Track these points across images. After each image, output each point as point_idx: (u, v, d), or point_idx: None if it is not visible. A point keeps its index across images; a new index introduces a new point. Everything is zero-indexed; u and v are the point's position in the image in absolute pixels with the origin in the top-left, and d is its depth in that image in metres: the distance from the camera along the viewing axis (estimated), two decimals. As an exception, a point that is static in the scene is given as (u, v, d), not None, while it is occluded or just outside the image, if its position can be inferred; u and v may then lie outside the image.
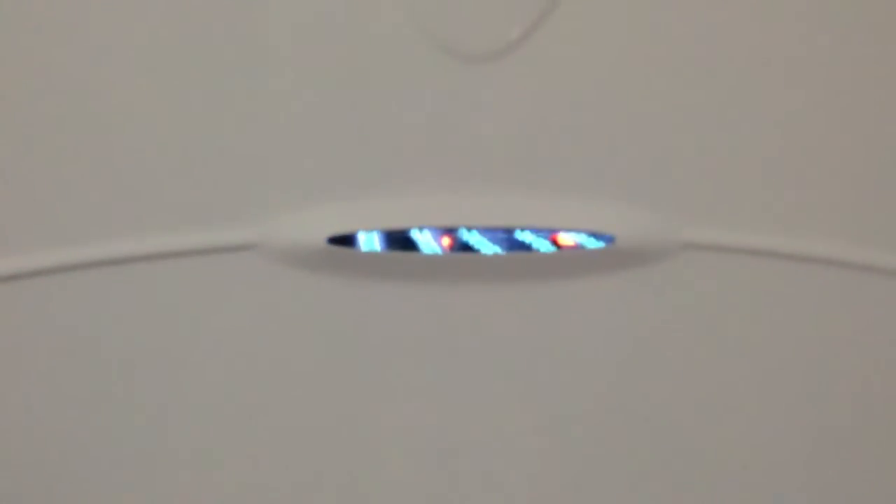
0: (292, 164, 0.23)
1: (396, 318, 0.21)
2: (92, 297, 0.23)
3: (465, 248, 0.22)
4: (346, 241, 0.22)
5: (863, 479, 0.27)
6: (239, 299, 0.22)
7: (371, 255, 0.21)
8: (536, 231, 0.22)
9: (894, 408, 0.26)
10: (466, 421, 0.21)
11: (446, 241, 0.21)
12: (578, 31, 0.22)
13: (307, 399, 0.23)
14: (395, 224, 0.21)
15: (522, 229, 0.22)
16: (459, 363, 0.20)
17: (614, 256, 0.21)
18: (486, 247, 0.23)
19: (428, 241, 0.22)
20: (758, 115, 0.24)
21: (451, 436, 0.21)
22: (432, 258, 0.20)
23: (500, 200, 0.21)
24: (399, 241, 0.22)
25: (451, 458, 0.23)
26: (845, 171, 0.25)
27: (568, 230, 0.22)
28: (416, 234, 0.21)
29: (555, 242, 0.23)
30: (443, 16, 0.22)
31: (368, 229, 0.21)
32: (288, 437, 0.24)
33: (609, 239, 0.21)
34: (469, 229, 0.21)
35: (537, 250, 0.22)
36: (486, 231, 0.21)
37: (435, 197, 0.21)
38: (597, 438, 0.21)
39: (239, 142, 0.23)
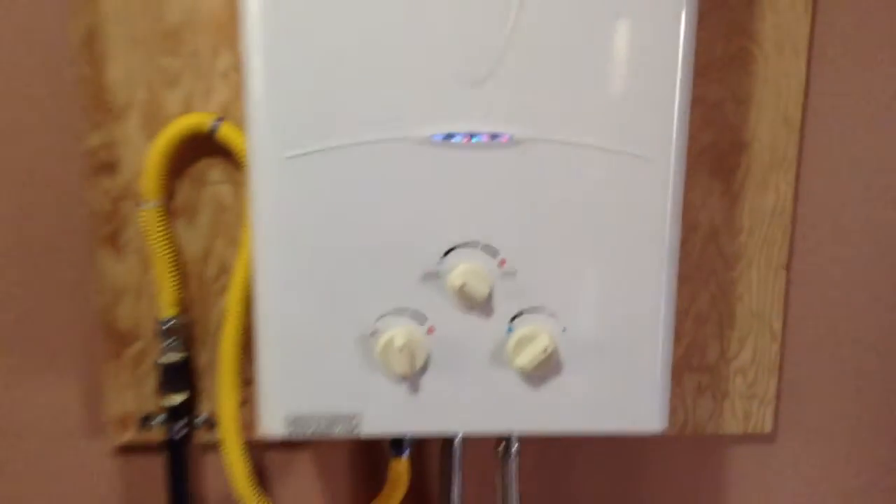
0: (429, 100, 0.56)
1: (452, 164, 0.59)
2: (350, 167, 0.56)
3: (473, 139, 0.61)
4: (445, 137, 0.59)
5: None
6: (407, 163, 0.58)
7: (447, 143, 0.59)
8: (493, 135, 0.61)
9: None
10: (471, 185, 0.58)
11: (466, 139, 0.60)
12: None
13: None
14: (456, 130, 0.59)
15: (489, 134, 0.61)
16: (473, 176, 0.57)
17: (515, 143, 0.61)
18: (479, 140, 0.62)
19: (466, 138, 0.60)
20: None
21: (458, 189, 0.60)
22: (476, 144, 0.58)
23: (486, 123, 0.59)
24: (449, 137, 0.60)
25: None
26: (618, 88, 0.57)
27: (499, 133, 0.61)
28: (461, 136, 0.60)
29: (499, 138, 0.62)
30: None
31: (443, 133, 0.60)
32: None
33: (510, 136, 0.61)
34: (475, 134, 0.60)
35: (492, 140, 0.61)
36: (479, 134, 0.60)
37: (468, 123, 0.58)
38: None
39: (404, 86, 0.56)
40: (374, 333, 0.62)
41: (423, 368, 0.63)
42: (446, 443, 0.77)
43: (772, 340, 0.81)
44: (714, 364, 0.82)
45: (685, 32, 0.58)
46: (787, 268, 0.80)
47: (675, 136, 0.60)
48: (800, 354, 0.84)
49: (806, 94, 0.77)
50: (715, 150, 0.77)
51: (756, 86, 0.76)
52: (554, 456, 0.85)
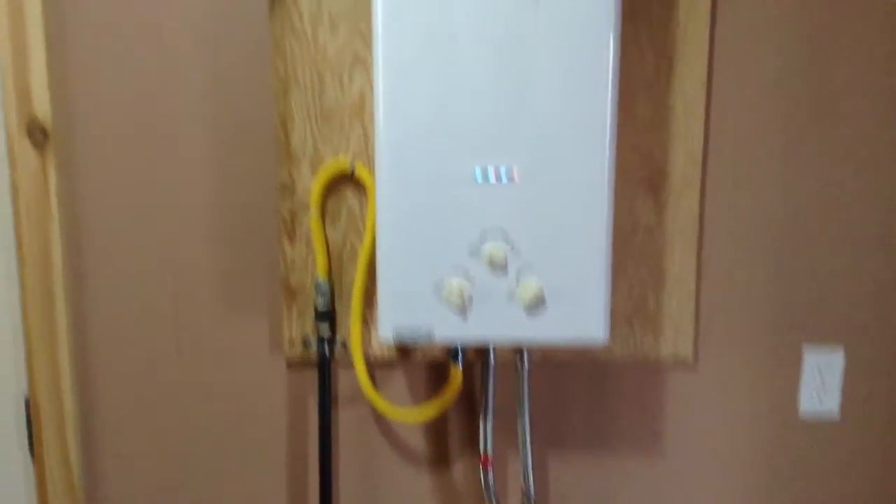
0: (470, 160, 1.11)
1: (487, 192, 1.12)
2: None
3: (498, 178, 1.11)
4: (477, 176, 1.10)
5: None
6: (463, 191, 1.08)
7: (484, 182, 1.09)
8: (509, 177, 1.10)
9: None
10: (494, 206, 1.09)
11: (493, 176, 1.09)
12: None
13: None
14: (489, 174, 1.09)
15: (506, 176, 1.10)
16: (497, 198, 1.08)
17: (519, 181, 1.08)
18: (501, 179, 1.11)
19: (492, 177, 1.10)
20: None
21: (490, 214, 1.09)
22: (499, 183, 1.08)
23: (504, 167, 1.08)
24: (486, 178, 1.10)
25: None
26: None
27: (513, 172, 1.11)
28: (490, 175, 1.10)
29: (512, 175, 1.11)
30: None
31: (482, 175, 1.09)
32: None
33: (513, 178, 1.10)
34: (499, 177, 1.09)
35: (507, 182, 1.10)
36: (501, 177, 1.09)
37: (495, 170, 1.08)
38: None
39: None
40: (443, 282, 1.09)
41: (469, 303, 1.07)
42: (485, 360, 1.28)
43: (689, 298, 1.28)
44: (653, 313, 1.28)
45: (610, 127, 1.07)
46: (698, 251, 1.28)
47: (606, 172, 1.07)
48: (709, 308, 1.31)
49: (705, 143, 1.25)
50: (649, 178, 1.24)
51: (672, 138, 1.24)
52: (552, 374, 1.34)
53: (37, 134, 1.22)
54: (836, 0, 1.20)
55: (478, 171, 1.05)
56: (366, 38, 1.19)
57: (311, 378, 1.31)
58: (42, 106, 1.22)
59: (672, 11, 1.18)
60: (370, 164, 1.20)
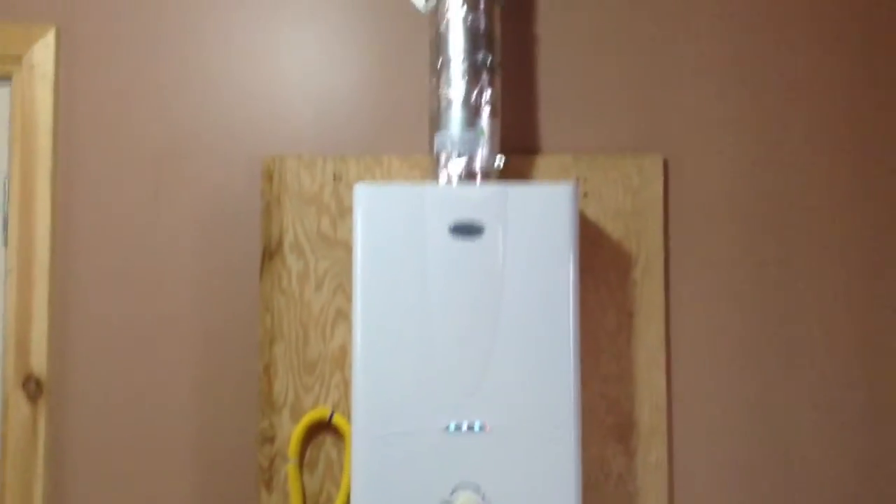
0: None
1: (458, 442, 1.16)
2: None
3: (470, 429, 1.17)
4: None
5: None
6: (436, 440, 1.15)
7: (457, 432, 1.16)
8: (481, 427, 1.16)
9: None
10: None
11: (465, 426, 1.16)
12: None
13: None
14: (461, 424, 1.15)
15: (477, 426, 1.16)
16: (469, 447, 1.14)
17: (489, 431, 1.15)
18: (474, 429, 1.17)
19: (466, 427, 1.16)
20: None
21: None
22: (470, 432, 1.14)
23: (475, 420, 1.15)
24: (458, 429, 1.16)
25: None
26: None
27: (484, 424, 1.17)
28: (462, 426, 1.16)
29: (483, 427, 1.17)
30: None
31: (454, 426, 1.17)
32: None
33: (484, 431, 1.16)
34: (471, 427, 1.15)
35: (479, 434, 1.17)
36: (472, 427, 1.15)
37: (467, 421, 1.15)
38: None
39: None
40: (416, 535, 1.13)
41: (443, 556, 1.12)
42: None
43: (666, 545, 1.28)
44: (631, 563, 1.28)
45: (574, 380, 1.14)
46: (670, 499, 1.30)
47: (573, 424, 1.13)
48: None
49: (668, 393, 1.32)
50: (617, 426, 1.30)
51: (637, 389, 1.31)
52: None
53: (31, 386, 1.29)
54: (782, 247, 1.32)
55: (451, 426, 1.11)
56: (348, 294, 1.29)
57: None
58: (39, 361, 1.30)
59: (629, 273, 1.30)
60: (350, 411, 1.25)
